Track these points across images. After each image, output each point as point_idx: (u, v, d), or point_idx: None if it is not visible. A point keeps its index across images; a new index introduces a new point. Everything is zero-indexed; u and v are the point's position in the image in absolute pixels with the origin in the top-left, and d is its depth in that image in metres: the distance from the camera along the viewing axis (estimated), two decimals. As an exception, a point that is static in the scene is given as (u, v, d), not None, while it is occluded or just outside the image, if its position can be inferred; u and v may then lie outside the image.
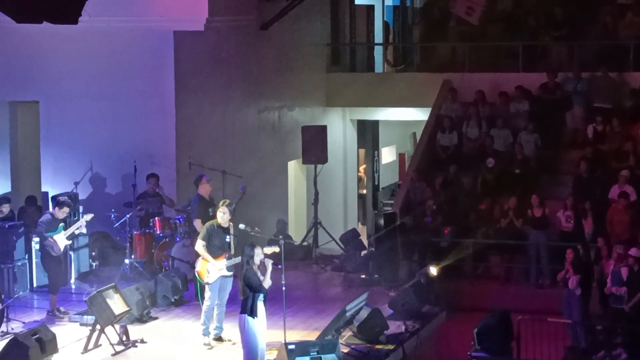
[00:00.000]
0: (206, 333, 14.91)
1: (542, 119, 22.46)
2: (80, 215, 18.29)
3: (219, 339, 14.99)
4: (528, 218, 19.94)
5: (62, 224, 16.39)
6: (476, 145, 22.59)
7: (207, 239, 14.75)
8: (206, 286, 14.82)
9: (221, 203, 15.00)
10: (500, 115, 22.70)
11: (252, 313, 12.95)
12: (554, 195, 20.90)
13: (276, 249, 13.95)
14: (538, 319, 16.79)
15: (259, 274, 13.03)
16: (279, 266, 13.74)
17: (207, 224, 14.99)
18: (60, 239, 16.28)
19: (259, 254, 13.07)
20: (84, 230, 17.18)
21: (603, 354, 16.56)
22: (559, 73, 23.09)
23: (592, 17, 24.61)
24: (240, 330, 13.09)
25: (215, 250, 14.74)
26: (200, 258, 14.85)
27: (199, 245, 14.79)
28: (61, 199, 16.75)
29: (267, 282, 13.08)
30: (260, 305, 13.09)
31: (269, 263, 13.17)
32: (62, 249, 16.34)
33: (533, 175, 21.50)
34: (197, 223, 16.39)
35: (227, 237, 14.88)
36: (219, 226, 14.83)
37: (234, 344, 14.75)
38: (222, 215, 14.82)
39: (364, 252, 20.46)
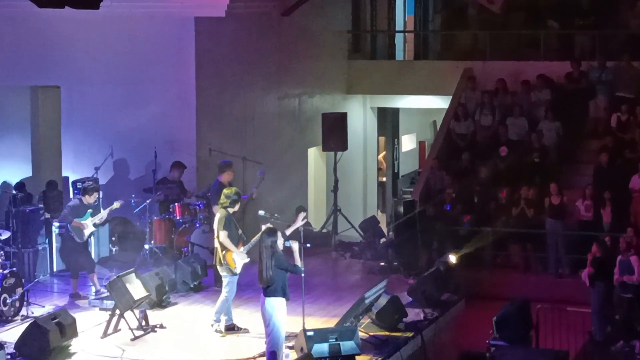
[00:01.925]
0: (218, 319, 14.72)
1: (564, 108, 22.35)
2: (102, 201, 18.32)
3: (231, 327, 14.77)
4: (546, 206, 19.87)
5: (89, 210, 16.37)
6: (489, 133, 22.52)
7: (228, 227, 14.49)
8: (225, 278, 14.55)
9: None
10: (519, 103, 22.60)
11: (285, 295, 12.93)
12: (574, 184, 20.82)
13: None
14: (557, 308, 16.77)
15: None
16: (308, 245, 13.65)
17: (224, 213, 14.55)
18: (87, 226, 16.30)
19: (280, 238, 13.04)
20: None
21: (622, 344, 16.52)
22: (583, 62, 22.97)
23: (618, 5, 24.45)
24: (267, 314, 12.90)
25: (234, 239, 14.50)
26: (224, 250, 14.43)
27: (224, 236, 14.37)
28: (88, 185, 16.68)
29: (299, 262, 13.10)
30: None
31: (295, 244, 13.11)
32: (86, 236, 16.36)
33: (552, 164, 21.42)
34: (217, 209, 16.32)
35: None
36: (231, 215, 14.61)
37: (247, 330, 14.77)
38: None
39: (383, 240, 20.44)
